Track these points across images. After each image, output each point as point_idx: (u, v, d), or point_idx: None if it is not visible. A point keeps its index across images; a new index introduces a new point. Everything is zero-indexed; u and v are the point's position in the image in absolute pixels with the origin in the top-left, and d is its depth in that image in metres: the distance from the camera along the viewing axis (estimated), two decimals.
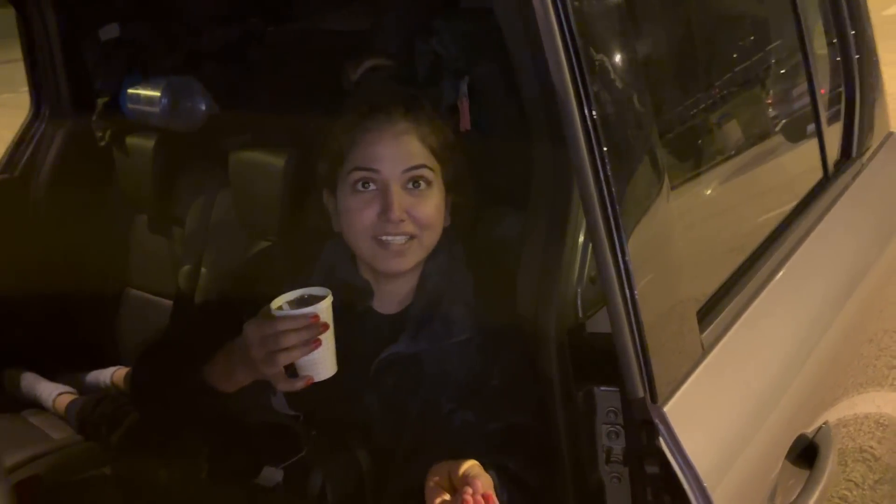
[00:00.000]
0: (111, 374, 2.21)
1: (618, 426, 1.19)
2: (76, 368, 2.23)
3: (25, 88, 2.35)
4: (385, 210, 1.21)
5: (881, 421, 1.73)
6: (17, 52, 2.31)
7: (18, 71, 2.35)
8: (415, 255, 1.25)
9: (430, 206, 1.24)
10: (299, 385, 1.13)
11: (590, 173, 0.89)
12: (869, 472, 1.59)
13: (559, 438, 1.26)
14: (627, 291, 0.92)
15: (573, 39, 0.87)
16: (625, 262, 0.90)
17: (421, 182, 1.23)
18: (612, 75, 0.92)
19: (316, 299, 1.13)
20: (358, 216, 1.24)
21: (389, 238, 1.23)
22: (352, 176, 1.24)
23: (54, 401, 2.11)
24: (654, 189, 0.98)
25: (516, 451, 1.22)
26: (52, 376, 2.18)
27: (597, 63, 0.89)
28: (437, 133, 1.27)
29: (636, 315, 0.92)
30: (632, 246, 0.92)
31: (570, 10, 0.87)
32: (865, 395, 1.64)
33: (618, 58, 0.94)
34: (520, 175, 1.37)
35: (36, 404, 2.13)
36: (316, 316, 1.10)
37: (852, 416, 1.54)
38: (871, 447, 1.68)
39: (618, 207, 0.90)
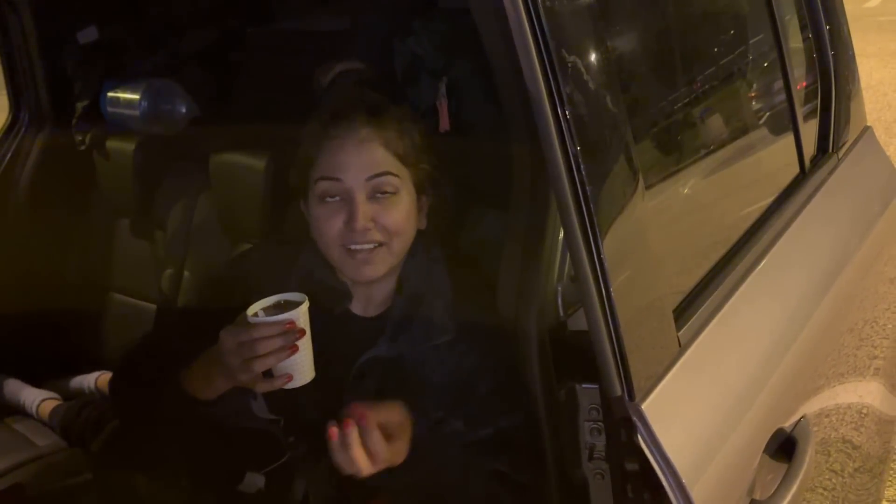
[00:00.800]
0: (95, 379, 2.20)
1: (600, 423, 1.20)
2: (60, 374, 2.22)
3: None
4: (350, 220, 1.21)
5: (862, 411, 1.74)
6: None
7: None
8: (384, 263, 1.25)
9: (398, 213, 1.24)
10: (278, 384, 1.13)
11: (564, 173, 0.89)
12: (849, 461, 1.61)
13: (543, 437, 1.27)
14: (603, 289, 0.92)
15: (545, 40, 0.87)
16: (600, 261, 0.91)
17: (387, 189, 1.23)
18: (585, 76, 0.92)
19: (292, 305, 1.12)
20: (325, 225, 1.24)
21: (357, 246, 1.23)
22: (318, 185, 1.24)
23: (38, 407, 2.10)
24: (629, 188, 0.99)
25: (507, 452, 1.23)
26: (35, 382, 2.18)
27: (569, 64, 0.90)
28: (405, 137, 1.26)
29: (612, 313, 0.92)
30: (607, 244, 0.92)
31: (542, 11, 0.87)
32: (847, 385, 1.66)
33: (591, 58, 0.94)
34: (499, 175, 1.37)
35: (20, 411, 2.13)
36: (292, 322, 1.10)
37: (834, 406, 1.55)
38: (852, 437, 1.70)
39: (592, 206, 0.90)
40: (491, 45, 1.23)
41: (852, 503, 1.66)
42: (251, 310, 1.12)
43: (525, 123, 1.24)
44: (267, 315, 1.12)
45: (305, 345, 1.12)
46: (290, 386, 1.13)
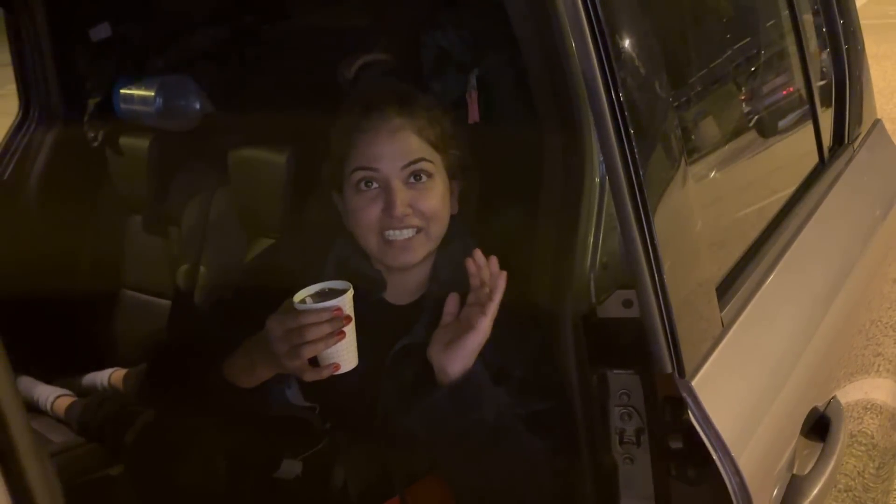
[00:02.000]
0: (109, 376, 2.19)
1: (630, 408, 1.22)
2: (73, 371, 2.21)
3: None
4: (388, 206, 1.23)
5: (880, 401, 1.77)
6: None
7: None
8: (423, 248, 1.27)
9: (434, 198, 1.26)
10: (326, 373, 1.14)
11: (618, 158, 0.91)
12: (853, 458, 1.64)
13: (576, 421, 1.29)
14: (655, 270, 0.94)
15: (600, 26, 0.90)
16: (653, 245, 0.93)
17: (422, 175, 1.25)
18: (637, 62, 0.94)
19: (336, 293, 1.14)
20: (363, 214, 1.26)
21: (396, 233, 1.25)
22: (354, 176, 1.26)
23: (52, 404, 2.10)
24: (675, 172, 1.01)
25: (542, 434, 1.24)
26: (48, 379, 2.17)
27: (623, 49, 0.92)
28: (435, 124, 1.28)
29: (664, 293, 0.95)
30: (659, 226, 0.95)
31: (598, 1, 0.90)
32: (866, 374, 1.69)
33: (641, 44, 0.96)
34: (529, 165, 1.39)
35: (34, 408, 2.11)
36: (339, 308, 1.11)
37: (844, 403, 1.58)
38: (860, 432, 1.73)
39: (645, 191, 0.93)
40: (524, 36, 1.25)
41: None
42: (298, 296, 1.13)
43: (557, 112, 1.26)
44: (313, 302, 1.13)
45: (351, 332, 1.13)
46: (337, 373, 1.14)
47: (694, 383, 0.98)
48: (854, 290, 1.48)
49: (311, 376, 1.15)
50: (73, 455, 1.94)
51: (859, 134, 1.75)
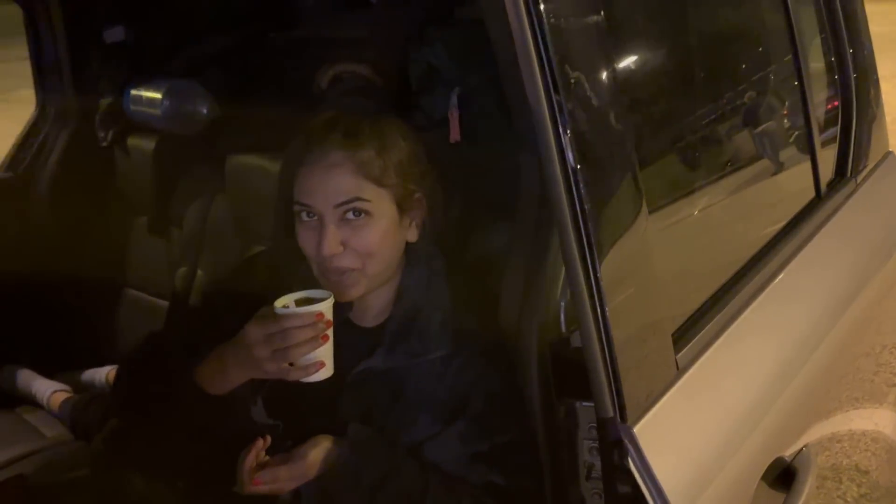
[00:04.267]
0: (106, 373, 2.22)
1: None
2: (73, 366, 2.25)
3: None
4: (319, 244, 1.21)
5: (877, 438, 1.71)
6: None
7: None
8: (358, 285, 1.24)
9: (370, 235, 1.22)
10: (311, 371, 1.14)
11: (562, 189, 0.88)
12: (855, 487, 1.57)
13: (540, 453, 1.26)
14: (598, 308, 0.91)
15: (548, 55, 0.87)
16: (596, 279, 0.90)
17: (359, 212, 1.22)
18: (589, 93, 0.91)
19: (317, 300, 1.16)
20: (303, 244, 1.25)
21: (330, 270, 1.23)
22: (295, 206, 1.25)
23: (49, 398, 2.13)
24: (631, 207, 0.98)
25: (504, 466, 1.22)
26: (48, 374, 2.20)
27: (572, 80, 0.89)
28: (385, 155, 1.23)
29: (606, 332, 0.91)
30: (606, 263, 0.91)
31: (546, 27, 0.87)
32: (862, 410, 1.62)
33: (595, 75, 0.93)
34: (508, 188, 1.36)
35: (31, 401, 2.15)
36: (321, 314, 1.13)
37: (847, 431, 1.52)
38: (865, 465, 1.66)
39: (590, 224, 0.89)
40: (501, 58, 1.23)
41: None
42: (279, 302, 1.15)
43: (533, 136, 1.23)
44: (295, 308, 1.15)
45: (331, 338, 1.15)
46: (321, 377, 1.15)
47: (637, 429, 0.94)
48: (845, 333, 1.41)
49: (295, 376, 1.15)
50: (62, 451, 1.96)
51: (865, 167, 1.68)
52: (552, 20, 0.87)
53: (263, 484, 1.19)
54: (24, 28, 2.30)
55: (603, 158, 0.94)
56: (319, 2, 2.14)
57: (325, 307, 1.15)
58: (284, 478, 1.19)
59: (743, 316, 1.15)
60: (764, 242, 1.32)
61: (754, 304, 1.19)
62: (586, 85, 0.91)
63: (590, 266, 0.90)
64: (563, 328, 1.27)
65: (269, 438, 1.21)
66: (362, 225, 1.22)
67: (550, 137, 0.87)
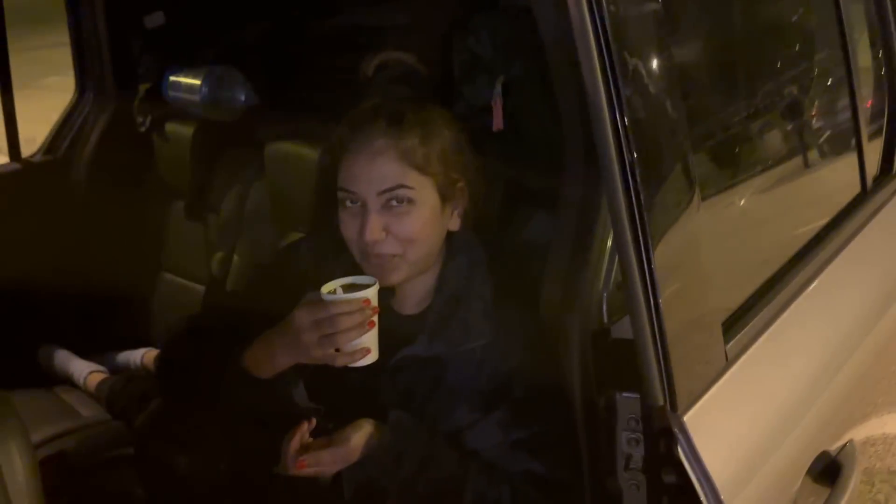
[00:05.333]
0: (142, 356, 2.25)
1: (638, 433, 1.18)
2: (108, 348, 2.28)
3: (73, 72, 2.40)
4: (361, 230, 1.22)
5: None
6: (66, 36, 2.35)
7: (66, 54, 2.40)
8: (400, 271, 1.25)
9: (412, 223, 1.23)
10: (358, 357, 1.16)
11: (618, 178, 0.88)
12: (889, 489, 1.56)
13: (579, 443, 1.26)
14: (651, 298, 0.91)
15: (607, 43, 0.86)
16: (650, 269, 0.90)
17: (402, 200, 1.22)
18: (646, 80, 0.91)
19: (362, 287, 1.16)
20: (345, 229, 1.26)
21: (371, 255, 1.24)
22: (339, 193, 1.26)
23: (86, 379, 2.16)
24: (684, 197, 0.97)
25: (543, 455, 1.22)
26: (85, 354, 2.23)
27: (631, 68, 0.89)
28: (429, 143, 1.23)
29: (659, 322, 0.91)
30: (659, 254, 0.91)
31: (606, 14, 0.87)
32: None
33: (653, 64, 0.93)
34: (549, 177, 1.36)
35: (68, 381, 2.18)
36: (367, 300, 1.14)
37: (881, 435, 1.51)
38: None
39: (645, 214, 0.89)
40: (550, 46, 1.22)
41: None
42: (326, 287, 1.16)
43: (581, 126, 1.23)
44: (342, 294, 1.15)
45: (376, 324, 1.16)
46: (366, 362, 1.16)
47: (686, 418, 0.94)
48: (890, 328, 1.40)
49: (342, 361, 1.17)
50: (99, 431, 1.99)
51: None
52: (612, 8, 0.87)
53: (308, 466, 1.20)
54: (46, 17, 2.32)
55: (659, 147, 0.94)
56: None
57: (372, 293, 1.16)
58: (328, 461, 1.21)
59: (791, 308, 1.15)
60: (810, 235, 1.31)
61: (801, 298, 1.18)
62: (644, 72, 0.90)
63: (644, 255, 0.90)
64: (605, 319, 1.27)
65: (314, 421, 1.23)
66: (405, 212, 1.23)
67: (607, 124, 0.87)
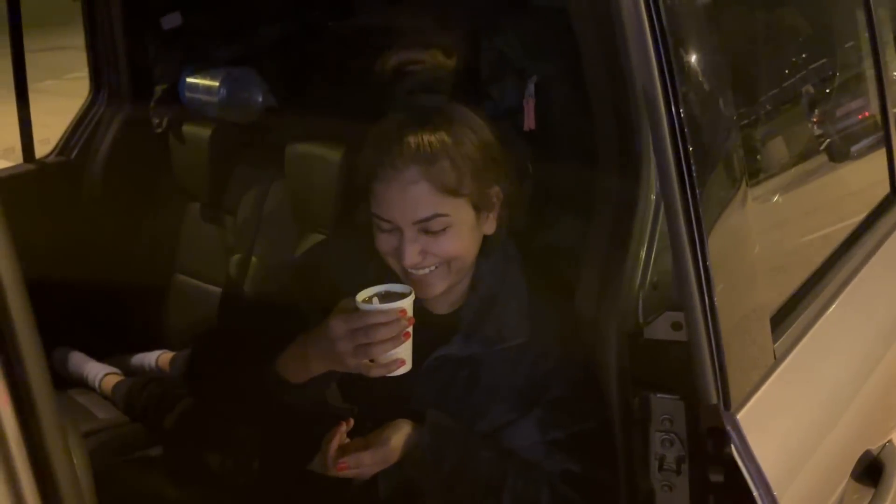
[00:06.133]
0: (156, 358, 2.23)
1: (672, 434, 1.18)
2: (123, 350, 2.26)
3: (70, 76, 2.39)
4: (400, 254, 1.20)
5: None
6: (63, 40, 2.34)
7: (64, 58, 2.38)
8: (442, 281, 1.23)
9: (451, 243, 1.21)
10: (393, 368, 1.14)
11: (674, 175, 0.88)
12: None
13: (615, 444, 1.25)
14: (706, 296, 0.91)
15: (664, 38, 0.86)
16: (705, 267, 0.90)
17: (438, 225, 1.20)
18: (701, 77, 0.91)
19: (396, 295, 1.14)
20: (382, 246, 1.24)
21: (412, 271, 1.22)
22: (374, 218, 1.23)
23: (101, 381, 2.14)
24: (734, 192, 0.97)
25: (580, 455, 1.22)
26: (99, 357, 2.22)
27: (686, 63, 0.88)
28: (461, 166, 1.19)
29: (714, 320, 0.91)
30: (712, 249, 0.91)
31: (662, 9, 0.86)
32: None
33: (706, 59, 0.93)
34: (580, 178, 1.35)
35: (82, 384, 2.16)
36: (403, 311, 1.12)
37: None
38: None
39: (701, 211, 0.89)
40: (586, 45, 1.22)
41: None
42: (360, 296, 1.14)
43: (616, 125, 1.23)
44: (378, 303, 1.14)
45: (411, 335, 1.15)
46: (400, 372, 1.15)
47: (740, 416, 0.94)
48: None
49: (376, 372, 1.15)
50: (116, 433, 1.98)
51: None
52: (667, 2, 0.87)
53: (348, 468, 1.19)
54: (41, 21, 2.31)
55: (712, 143, 0.94)
56: None
57: (408, 304, 1.13)
58: (367, 463, 1.20)
59: (833, 307, 1.15)
60: (846, 233, 1.31)
61: (842, 295, 1.18)
62: (698, 68, 0.90)
63: (698, 248, 0.90)
64: (641, 318, 1.26)
65: (351, 422, 1.22)
66: (442, 234, 1.21)
67: (664, 121, 0.87)
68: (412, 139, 1.18)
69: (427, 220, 1.19)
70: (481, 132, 1.25)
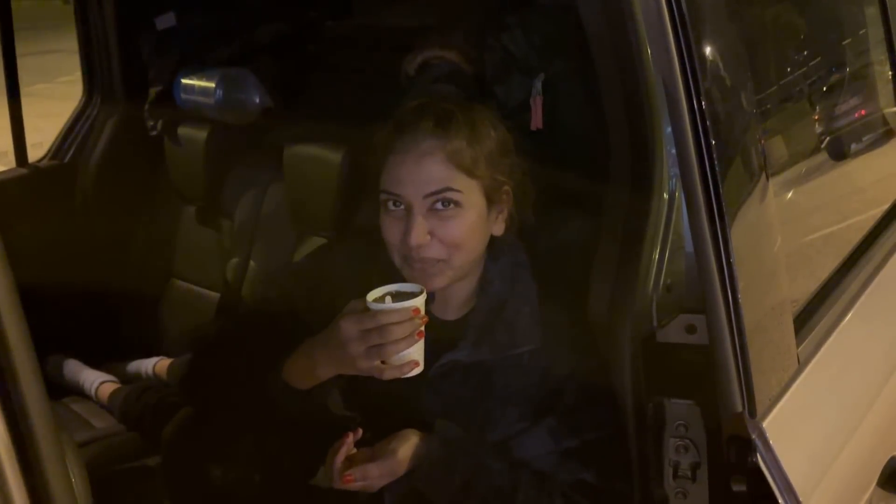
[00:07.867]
0: (153, 365, 2.19)
1: (687, 440, 1.14)
2: (119, 357, 2.22)
3: (62, 79, 2.36)
4: (406, 234, 1.17)
5: None
6: (53, 43, 2.31)
7: (55, 61, 2.35)
8: (444, 276, 1.21)
9: (458, 227, 1.18)
10: (406, 370, 1.10)
11: (696, 169, 0.84)
12: None
13: (630, 451, 1.22)
14: (730, 297, 0.87)
15: (685, 33, 0.83)
16: (729, 265, 0.86)
17: (449, 203, 1.18)
18: (723, 71, 0.87)
19: (407, 295, 1.11)
20: (388, 233, 1.21)
21: (415, 259, 1.19)
22: (382, 195, 1.21)
23: (97, 389, 2.10)
24: (755, 188, 0.93)
25: (595, 464, 1.18)
26: (94, 364, 2.17)
27: (708, 58, 0.85)
28: (477, 145, 1.19)
29: (738, 323, 0.87)
30: (734, 246, 0.87)
31: (683, 3, 0.83)
32: None
33: (727, 54, 0.89)
34: (593, 177, 1.32)
35: (78, 392, 2.12)
36: (417, 309, 1.08)
37: None
38: None
39: (724, 206, 0.85)
40: (597, 40, 1.19)
41: None
42: (372, 296, 1.10)
43: (627, 124, 1.19)
44: (389, 303, 1.10)
45: (424, 334, 1.11)
46: (413, 374, 1.11)
47: (765, 424, 0.90)
48: None
49: (389, 374, 1.11)
50: (113, 442, 1.94)
51: None
52: None
53: (355, 481, 1.15)
54: (32, 25, 2.28)
55: (733, 138, 0.90)
56: None
57: (420, 302, 1.10)
58: (374, 475, 1.16)
59: (855, 309, 1.11)
60: (862, 235, 1.28)
61: (863, 297, 1.15)
62: (720, 63, 0.87)
63: (721, 246, 0.86)
64: (655, 322, 1.23)
65: (359, 432, 1.18)
66: (451, 216, 1.19)
67: (685, 116, 0.83)
68: (432, 114, 1.19)
69: (438, 192, 1.17)
70: (498, 128, 1.24)
